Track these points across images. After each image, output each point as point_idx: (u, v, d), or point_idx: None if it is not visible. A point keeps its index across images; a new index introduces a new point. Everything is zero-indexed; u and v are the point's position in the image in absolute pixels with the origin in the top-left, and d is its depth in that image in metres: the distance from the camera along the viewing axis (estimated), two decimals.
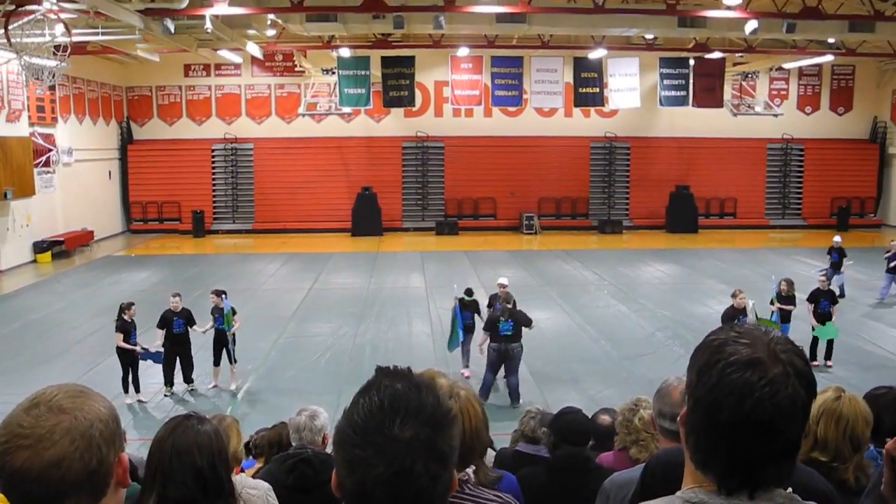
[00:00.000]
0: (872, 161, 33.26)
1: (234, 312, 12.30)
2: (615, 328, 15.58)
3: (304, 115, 30.69)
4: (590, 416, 4.98)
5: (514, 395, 11.19)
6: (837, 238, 18.97)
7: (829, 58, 27.70)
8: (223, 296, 12.29)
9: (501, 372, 11.43)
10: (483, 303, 12.84)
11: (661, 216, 31.80)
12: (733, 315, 11.90)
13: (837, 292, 17.85)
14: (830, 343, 13.02)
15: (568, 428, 4.32)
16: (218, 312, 12.16)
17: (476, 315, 12.47)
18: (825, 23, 20.85)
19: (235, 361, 12.23)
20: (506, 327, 11.08)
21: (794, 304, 13.30)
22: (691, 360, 1.45)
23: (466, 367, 12.35)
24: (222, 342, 12.12)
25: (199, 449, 2.48)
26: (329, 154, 31.53)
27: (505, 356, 11.11)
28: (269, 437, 5.72)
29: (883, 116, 33.32)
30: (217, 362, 12.19)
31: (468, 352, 12.37)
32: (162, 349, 11.78)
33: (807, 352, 12.43)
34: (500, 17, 20.38)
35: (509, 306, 11.32)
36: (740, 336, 1.39)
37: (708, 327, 1.65)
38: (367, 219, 30.21)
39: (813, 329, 13.00)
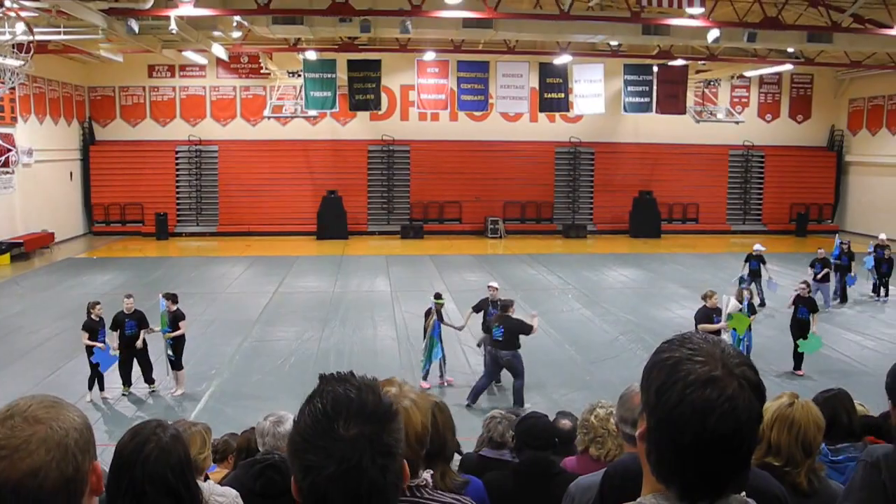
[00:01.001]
0: (830, 168, 33.99)
1: (182, 317, 11.94)
2: (579, 332, 15.71)
3: (269, 118, 30.46)
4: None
5: (517, 398, 11.19)
6: (758, 246, 17.96)
7: (788, 67, 28.26)
8: (162, 298, 12.00)
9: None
10: (464, 307, 12.74)
11: (625, 221, 32.15)
12: (707, 314, 12.04)
13: (757, 302, 17.85)
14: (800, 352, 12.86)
15: (530, 432, 4.39)
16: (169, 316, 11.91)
17: (441, 322, 12.28)
18: (785, 33, 21.36)
19: (179, 368, 11.92)
20: (497, 332, 11.19)
21: (755, 311, 13.47)
22: (646, 378, 1.47)
23: (425, 379, 12.06)
24: (172, 346, 11.85)
25: (172, 469, 2.49)
26: (294, 157, 31.37)
27: (496, 361, 11.27)
28: (239, 443, 5.71)
29: (840, 125, 34.09)
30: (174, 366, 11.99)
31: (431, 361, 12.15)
32: (118, 351, 11.49)
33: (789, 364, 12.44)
34: (467, 23, 20.51)
35: (503, 313, 11.38)
36: (694, 353, 1.42)
37: (670, 331, 1.68)
38: (332, 222, 30.11)
39: (796, 343, 12.75)
